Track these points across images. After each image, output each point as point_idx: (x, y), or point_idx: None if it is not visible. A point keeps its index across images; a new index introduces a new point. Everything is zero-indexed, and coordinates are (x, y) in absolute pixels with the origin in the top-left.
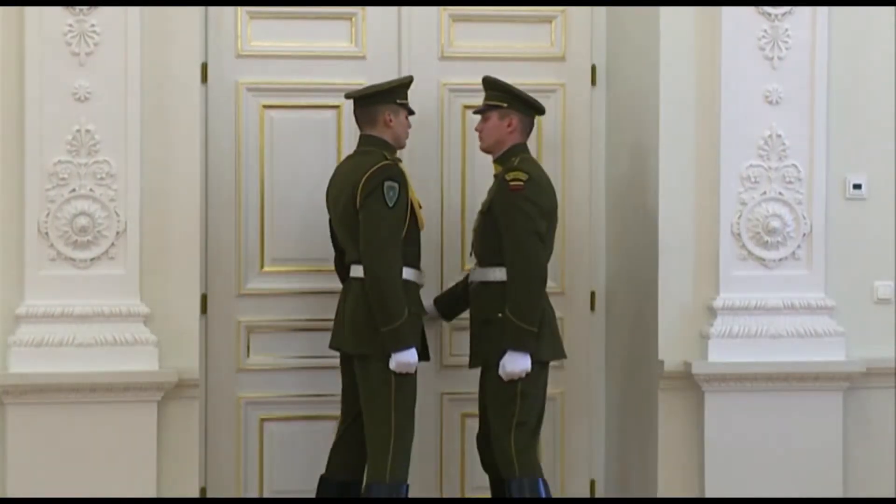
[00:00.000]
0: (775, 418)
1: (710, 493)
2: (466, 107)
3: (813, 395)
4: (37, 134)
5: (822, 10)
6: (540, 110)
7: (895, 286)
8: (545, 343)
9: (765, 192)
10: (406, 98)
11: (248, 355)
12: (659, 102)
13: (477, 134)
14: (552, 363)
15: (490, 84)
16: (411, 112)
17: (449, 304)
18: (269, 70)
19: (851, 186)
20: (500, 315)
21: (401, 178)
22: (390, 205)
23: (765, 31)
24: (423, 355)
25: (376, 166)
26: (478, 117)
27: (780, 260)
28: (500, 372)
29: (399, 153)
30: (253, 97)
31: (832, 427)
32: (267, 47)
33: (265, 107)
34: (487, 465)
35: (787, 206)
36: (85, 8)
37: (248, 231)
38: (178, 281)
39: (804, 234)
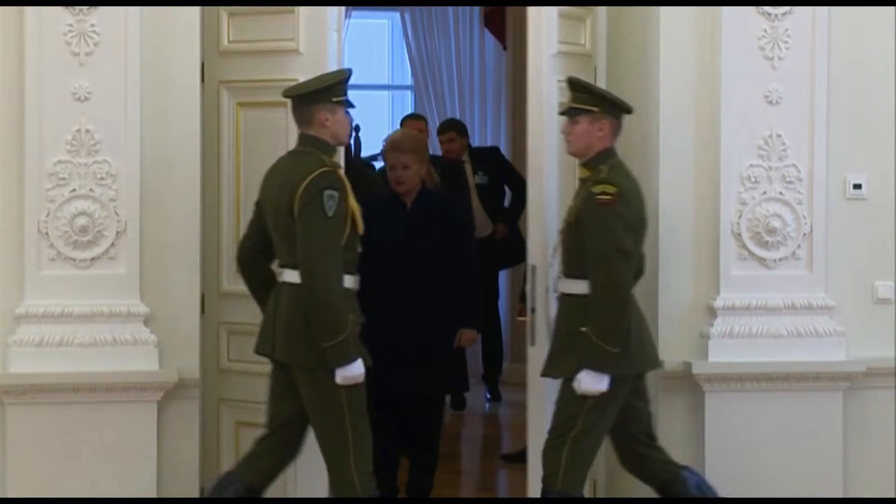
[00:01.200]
0: (776, 418)
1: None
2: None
3: (813, 395)
4: (37, 134)
5: (822, 10)
6: (629, 111)
7: (895, 286)
8: (628, 358)
9: (765, 192)
10: (343, 94)
11: (227, 357)
12: (659, 102)
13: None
14: None
15: (578, 86)
16: (351, 106)
17: None
18: (243, 67)
19: (852, 186)
20: (582, 329)
21: (340, 186)
22: (329, 214)
23: (765, 30)
24: (366, 361)
25: (315, 174)
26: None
27: (781, 260)
28: (575, 386)
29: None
30: (230, 95)
31: (832, 427)
32: (243, 46)
33: (240, 105)
34: (646, 478)
35: (788, 205)
36: (85, 8)
37: (227, 231)
38: (177, 281)
39: (804, 234)
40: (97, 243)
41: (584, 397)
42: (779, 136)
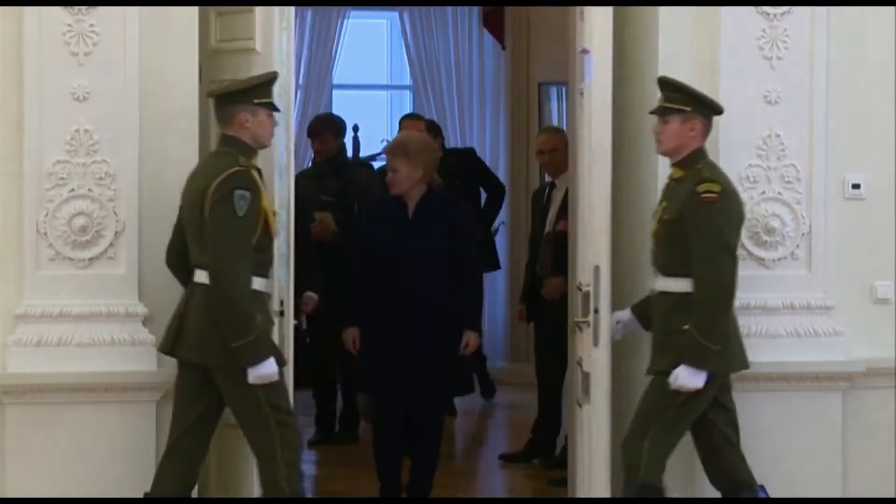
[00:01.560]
0: (774, 418)
1: (707, 493)
2: None
3: (812, 395)
4: (35, 134)
5: (821, 10)
6: (720, 112)
7: (894, 286)
8: (727, 358)
9: (764, 192)
10: (267, 96)
11: None
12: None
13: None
14: None
15: (671, 85)
16: (276, 109)
17: (647, 311)
18: (223, 67)
19: (850, 186)
20: (685, 327)
21: (253, 186)
22: (240, 214)
23: (763, 30)
24: (280, 361)
25: (227, 173)
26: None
27: (779, 260)
28: (671, 380)
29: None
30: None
31: (832, 427)
32: (223, 45)
33: None
34: (716, 481)
35: (787, 205)
36: (83, 8)
37: None
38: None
39: (803, 234)
40: (96, 243)
41: (678, 392)
42: (777, 136)
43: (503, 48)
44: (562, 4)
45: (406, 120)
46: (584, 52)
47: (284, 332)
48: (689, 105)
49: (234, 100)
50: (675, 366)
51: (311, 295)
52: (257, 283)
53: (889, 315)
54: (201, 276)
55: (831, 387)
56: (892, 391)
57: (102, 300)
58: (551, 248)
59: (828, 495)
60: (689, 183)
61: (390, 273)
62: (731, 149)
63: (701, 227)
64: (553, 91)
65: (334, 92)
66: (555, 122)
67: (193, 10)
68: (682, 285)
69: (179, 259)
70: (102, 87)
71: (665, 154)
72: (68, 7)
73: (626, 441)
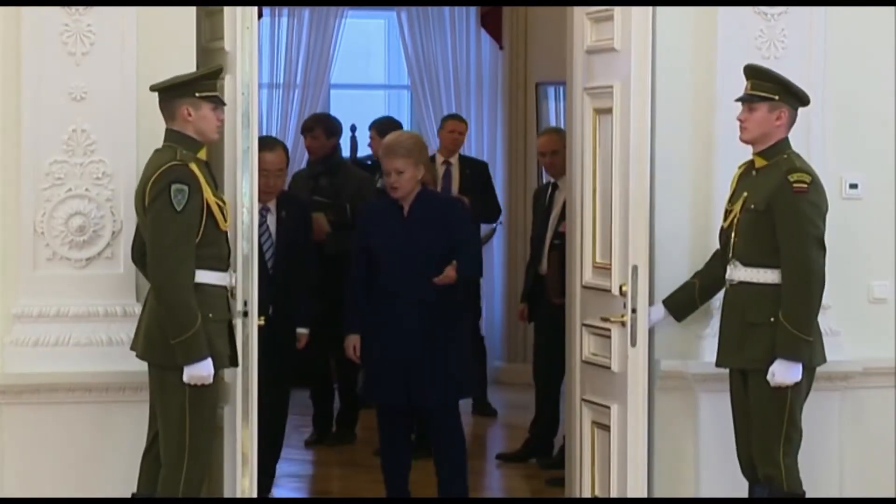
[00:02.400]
0: None
1: (705, 494)
2: None
3: (810, 395)
4: (33, 134)
5: (819, 11)
6: (807, 102)
7: (892, 285)
8: (817, 349)
9: None
10: (210, 90)
11: None
12: (656, 101)
13: (738, 124)
14: None
15: (758, 73)
16: (222, 103)
17: (683, 303)
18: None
19: (848, 186)
20: (771, 319)
21: (191, 180)
22: (178, 209)
23: (761, 31)
24: (233, 360)
25: (162, 168)
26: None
27: None
28: (769, 379)
29: None
30: None
31: (829, 426)
32: (208, 45)
33: None
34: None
35: None
36: (81, 8)
37: None
38: None
39: None
40: (93, 243)
41: (781, 395)
42: None
43: (501, 48)
44: (564, 5)
45: (449, 121)
46: (609, 50)
47: (248, 332)
48: (777, 94)
49: (176, 94)
50: (769, 362)
51: (303, 331)
52: (208, 277)
53: (886, 314)
54: None
55: (828, 386)
56: (889, 390)
57: (100, 300)
58: (558, 254)
59: (825, 495)
60: (776, 172)
61: (388, 277)
62: (729, 148)
63: (792, 216)
64: (550, 91)
65: (332, 91)
66: (552, 122)
67: (191, 10)
68: (767, 276)
69: (142, 259)
70: (100, 86)
71: (748, 142)
72: (66, 7)
73: (760, 450)
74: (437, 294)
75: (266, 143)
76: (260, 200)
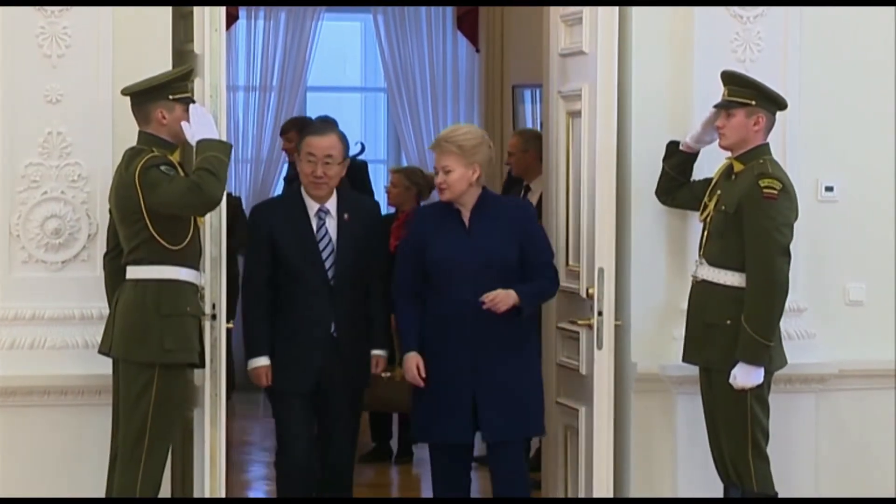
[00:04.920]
0: None
1: (682, 494)
2: None
3: (786, 396)
4: (8, 136)
5: (794, 13)
6: (784, 107)
7: (867, 288)
8: (777, 353)
9: None
10: (183, 91)
11: None
12: (631, 104)
13: (717, 130)
14: None
15: (736, 79)
16: (191, 101)
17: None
18: None
19: (823, 188)
20: (728, 322)
21: (174, 169)
22: (170, 175)
23: (737, 33)
24: (203, 360)
25: (145, 157)
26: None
27: None
28: (731, 381)
29: None
30: None
31: (804, 428)
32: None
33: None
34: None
35: None
36: (56, 9)
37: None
38: None
39: None
40: (69, 246)
41: (741, 397)
42: None
43: (477, 50)
44: (540, 5)
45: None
46: (579, 53)
47: (216, 335)
48: (754, 99)
49: (150, 97)
50: (727, 363)
51: (380, 353)
52: (187, 275)
53: (861, 317)
54: (132, 273)
55: (804, 389)
56: (864, 393)
57: (76, 303)
58: None
59: (800, 496)
60: (749, 176)
61: (446, 292)
62: (705, 151)
63: (759, 222)
64: (527, 93)
65: (308, 94)
66: (529, 125)
67: (167, 12)
68: (728, 278)
69: (113, 261)
70: (76, 89)
71: (727, 148)
72: (41, 8)
73: (728, 450)
74: (506, 311)
75: (313, 126)
76: (312, 196)
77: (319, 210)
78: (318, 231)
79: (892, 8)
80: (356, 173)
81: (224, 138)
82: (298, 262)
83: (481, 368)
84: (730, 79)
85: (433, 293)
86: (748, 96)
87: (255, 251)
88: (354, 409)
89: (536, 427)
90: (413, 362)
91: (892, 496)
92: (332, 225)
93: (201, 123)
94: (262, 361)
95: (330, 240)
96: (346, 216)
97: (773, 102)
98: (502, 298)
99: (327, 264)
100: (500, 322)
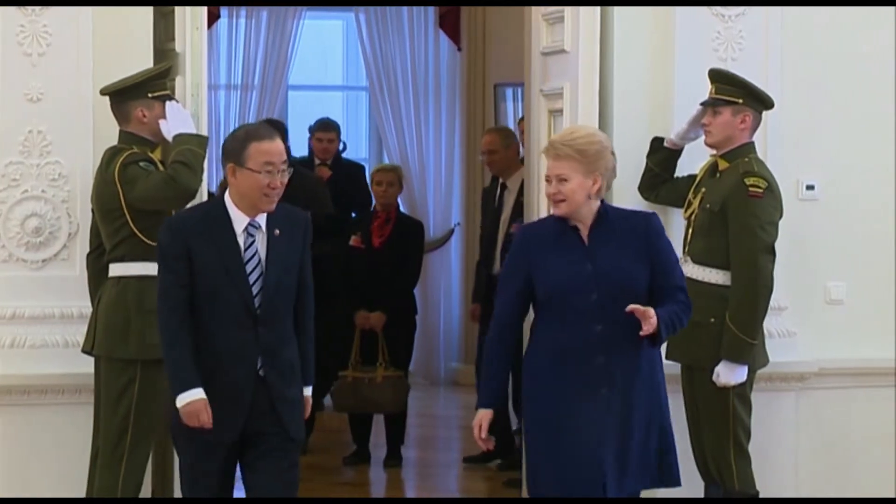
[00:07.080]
0: None
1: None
2: None
3: (766, 395)
4: None
5: (776, 13)
6: (770, 106)
7: (847, 287)
8: (759, 351)
9: None
10: (161, 89)
11: None
12: (613, 102)
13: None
14: None
15: (723, 77)
16: (171, 99)
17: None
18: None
19: (804, 188)
20: (712, 320)
21: (155, 164)
22: (149, 171)
23: (718, 32)
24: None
25: (124, 155)
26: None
27: None
28: (715, 379)
29: None
30: None
31: (784, 427)
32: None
33: None
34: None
35: None
36: (37, 8)
37: None
38: None
39: None
40: (49, 245)
41: (724, 394)
42: None
43: (459, 49)
44: (520, 5)
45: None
46: (560, 52)
47: None
48: (741, 97)
49: (129, 96)
50: (711, 361)
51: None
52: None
53: (842, 315)
54: (114, 270)
55: (784, 387)
56: (844, 391)
57: (56, 302)
58: None
59: (780, 495)
60: (734, 174)
61: (563, 323)
62: (686, 149)
63: (743, 221)
64: (508, 92)
65: (290, 93)
66: (510, 124)
67: (148, 11)
68: (713, 276)
69: (98, 259)
70: (56, 88)
71: (712, 145)
72: (21, 7)
73: (710, 449)
74: (633, 334)
75: (263, 131)
76: (251, 208)
77: (249, 224)
78: (246, 250)
79: (873, 8)
80: (355, 175)
81: (205, 132)
82: (220, 285)
83: (613, 417)
84: (717, 77)
85: (548, 323)
86: (735, 94)
87: (170, 270)
88: (290, 464)
89: (668, 478)
90: (484, 420)
91: (872, 494)
92: (261, 241)
93: (177, 119)
94: (198, 394)
95: (259, 260)
96: (276, 231)
97: (759, 101)
98: (652, 317)
99: (255, 289)
100: (631, 356)
